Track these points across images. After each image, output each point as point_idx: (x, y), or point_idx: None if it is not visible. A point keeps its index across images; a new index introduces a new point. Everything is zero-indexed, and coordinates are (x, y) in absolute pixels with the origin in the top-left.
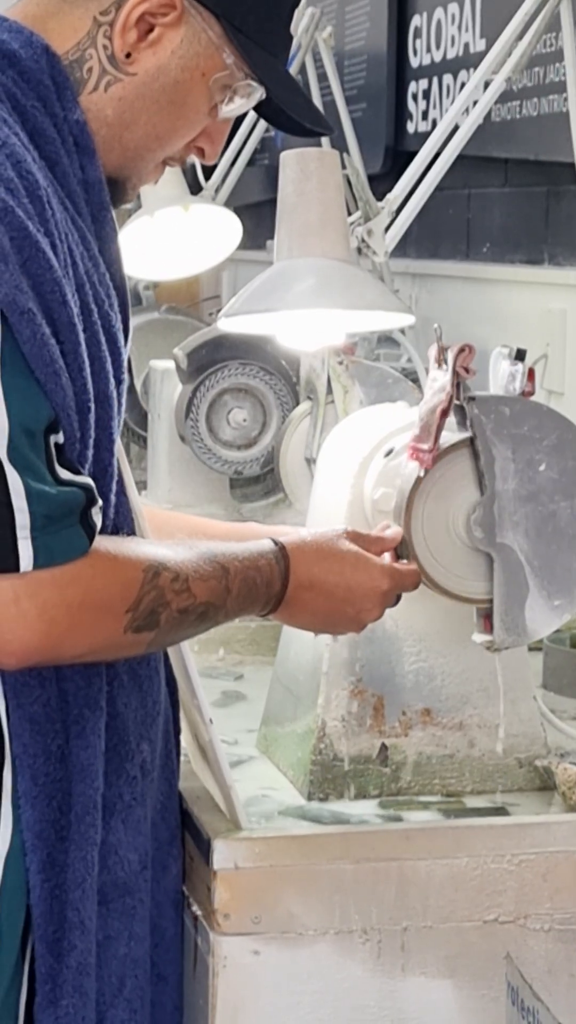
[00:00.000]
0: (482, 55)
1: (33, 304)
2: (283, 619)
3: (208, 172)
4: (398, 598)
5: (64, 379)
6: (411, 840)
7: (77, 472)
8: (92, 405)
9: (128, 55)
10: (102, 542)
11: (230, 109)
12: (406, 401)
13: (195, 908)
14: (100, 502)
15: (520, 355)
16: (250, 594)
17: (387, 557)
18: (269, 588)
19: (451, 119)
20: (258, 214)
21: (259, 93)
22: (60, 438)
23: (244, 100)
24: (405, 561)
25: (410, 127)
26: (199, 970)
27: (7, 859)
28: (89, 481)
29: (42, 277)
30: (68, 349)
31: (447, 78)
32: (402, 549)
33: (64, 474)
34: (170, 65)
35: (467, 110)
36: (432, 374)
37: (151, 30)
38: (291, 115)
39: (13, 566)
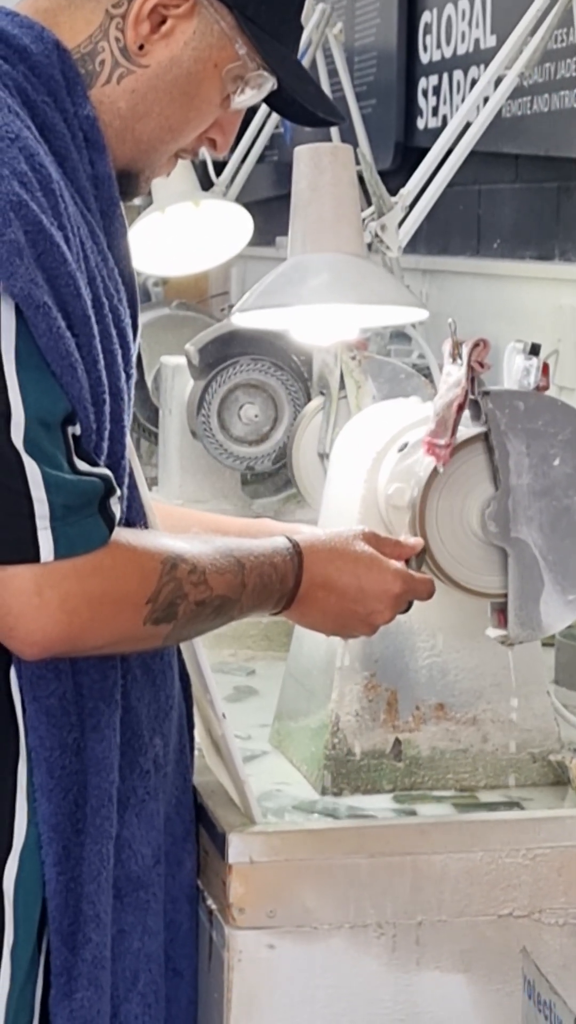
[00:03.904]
0: (492, 51)
1: (48, 298)
2: (295, 618)
3: (219, 168)
4: (409, 605)
5: (80, 372)
6: (426, 834)
7: (95, 463)
8: (107, 397)
9: (141, 47)
10: (121, 533)
11: (242, 100)
12: (419, 396)
13: (210, 902)
14: (118, 492)
15: (535, 350)
16: (264, 590)
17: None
18: (283, 585)
19: (463, 116)
20: (268, 210)
21: (271, 83)
22: (77, 430)
23: (256, 91)
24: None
25: (420, 123)
26: (214, 964)
27: (23, 852)
28: (107, 471)
29: (57, 271)
30: (83, 342)
31: (457, 74)
32: (413, 560)
33: (82, 465)
34: (183, 57)
35: (478, 107)
36: (447, 369)
37: (164, 22)
38: (303, 104)
39: (34, 556)
